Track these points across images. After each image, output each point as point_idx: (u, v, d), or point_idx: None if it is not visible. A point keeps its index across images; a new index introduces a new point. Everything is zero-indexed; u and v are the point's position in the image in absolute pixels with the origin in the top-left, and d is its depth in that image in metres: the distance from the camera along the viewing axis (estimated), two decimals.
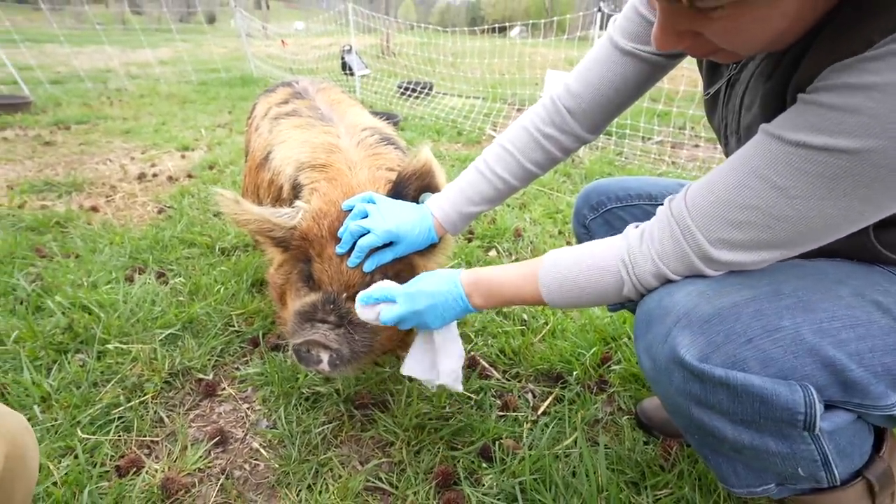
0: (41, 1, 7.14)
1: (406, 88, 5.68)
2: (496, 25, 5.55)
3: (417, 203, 1.07)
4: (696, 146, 4.25)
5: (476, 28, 5.38)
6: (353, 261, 0.99)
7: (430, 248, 1.09)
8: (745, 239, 0.63)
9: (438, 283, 0.88)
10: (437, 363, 0.97)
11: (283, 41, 8.63)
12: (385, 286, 0.93)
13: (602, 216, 1.10)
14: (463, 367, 1.00)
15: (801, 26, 0.57)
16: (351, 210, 1.02)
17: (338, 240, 1.01)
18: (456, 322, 0.96)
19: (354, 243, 0.99)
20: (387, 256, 1.01)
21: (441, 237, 1.08)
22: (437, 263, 1.14)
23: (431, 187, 1.07)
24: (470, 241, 2.27)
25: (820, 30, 0.58)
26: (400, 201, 1.05)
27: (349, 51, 6.30)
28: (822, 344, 0.61)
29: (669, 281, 0.71)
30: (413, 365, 1.00)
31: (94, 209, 2.56)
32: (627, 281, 0.72)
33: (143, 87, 6.42)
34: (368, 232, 0.97)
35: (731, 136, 0.82)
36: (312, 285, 1.04)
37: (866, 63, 0.51)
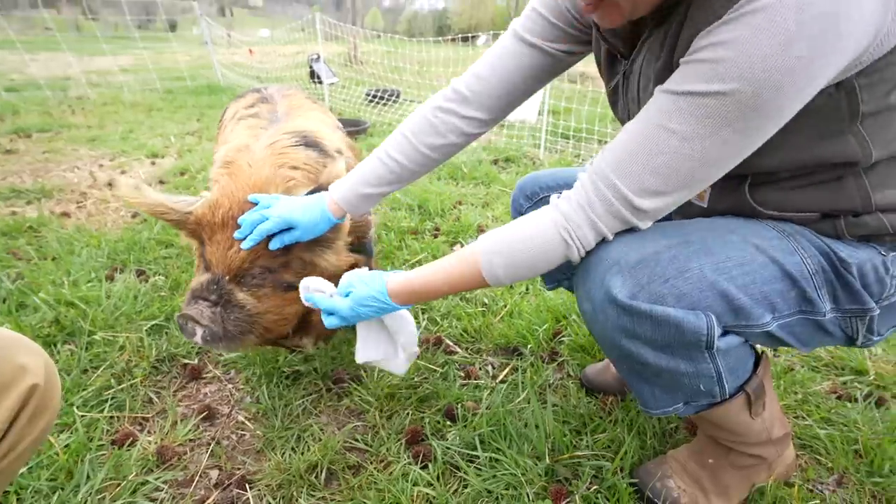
0: None
1: (374, 96, 5.82)
2: (463, 35, 5.76)
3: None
4: None
5: (442, 38, 5.59)
6: (247, 244, 1.07)
7: (324, 241, 1.15)
8: (661, 183, 0.73)
9: (365, 297, 0.93)
10: (396, 340, 1.03)
11: (250, 50, 8.63)
12: (318, 298, 0.99)
13: (536, 204, 1.22)
14: (420, 342, 1.11)
15: None
16: (257, 204, 1.11)
17: (228, 227, 1.10)
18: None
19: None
20: (284, 240, 1.09)
21: (340, 221, 1.14)
22: (328, 261, 1.18)
23: None
24: (436, 236, 2.44)
25: (687, 9, 0.72)
26: (301, 197, 1.13)
27: (317, 59, 6.40)
28: (719, 280, 0.77)
29: (605, 238, 0.81)
30: (367, 352, 1.04)
31: (66, 215, 2.59)
32: (572, 245, 0.80)
33: (106, 95, 6.33)
34: (266, 220, 1.07)
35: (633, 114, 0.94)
36: (207, 266, 1.13)
37: (723, 26, 0.64)
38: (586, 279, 0.84)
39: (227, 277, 1.08)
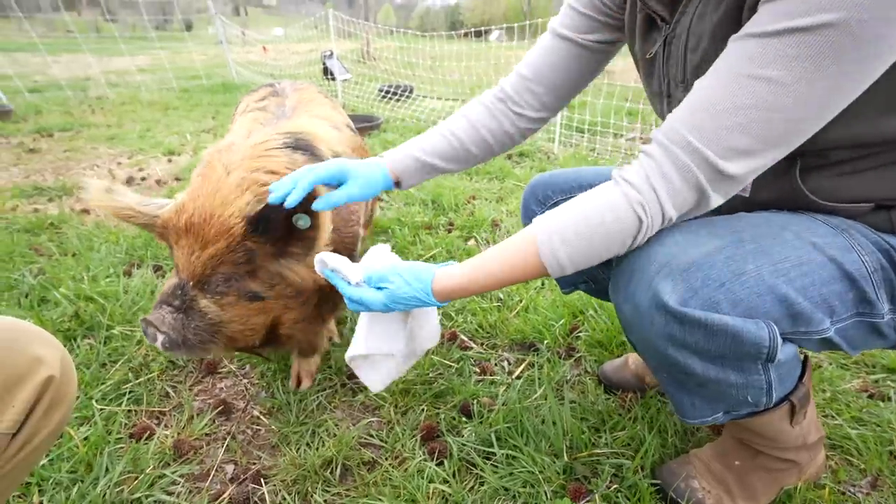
0: (14, 8, 7.09)
1: (387, 92, 5.81)
2: (475, 30, 5.71)
3: (293, 224, 1.00)
4: None
5: (455, 32, 5.54)
6: (291, 200, 0.89)
7: (295, 252, 1.05)
8: (751, 141, 0.64)
9: (406, 297, 0.83)
10: (416, 333, 0.97)
11: (264, 47, 8.69)
12: (341, 284, 0.89)
13: (549, 209, 1.19)
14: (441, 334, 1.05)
15: None
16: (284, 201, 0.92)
17: (191, 233, 1.00)
18: None
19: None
20: (334, 199, 0.94)
21: (392, 187, 1.06)
22: (298, 275, 1.08)
23: (309, 212, 0.98)
24: (450, 231, 2.42)
25: None
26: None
27: (330, 56, 6.41)
28: (777, 283, 0.70)
29: (671, 220, 0.72)
30: (372, 342, 0.95)
31: (86, 212, 2.64)
32: (644, 224, 0.71)
33: (124, 94, 6.43)
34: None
35: (675, 88, 0.86)
36: (176, 270, 1.07)
37: None
38: (629, 281, 0.77)
39: (191, 283, 1.03)
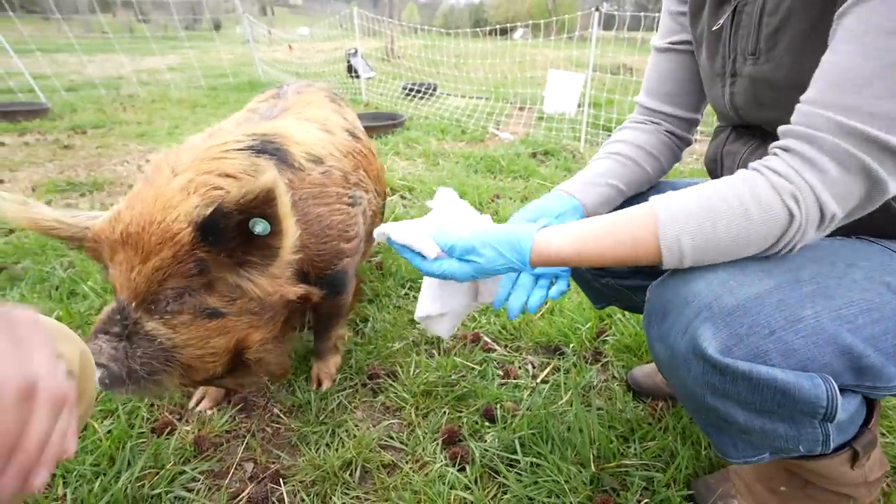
0: (53, 10, 7.34)
1: (411, 90, 5.80)
2: (499, 27, 5.65)
3: (250, 230, 0.87)
4: (695, 140, 4.33)
5: (479, 29, 5.50)
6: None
7: (254, 261, 0.92)
8: None
9: (498, 267, 0.73)
10: (483, 290, 0.89)
11: (289, 46, 8.79)
12: (416, 261, 0.78)
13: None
14: (457, 336, 0.97)
15: None
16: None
17: (129, 245, 0.87)
18: None
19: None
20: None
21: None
22: (258, 287, 0.95)
23: (268, 216, 0.86)
24: None
25: None
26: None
27: (354, 54, 6.44)
28: (840, 331, 0.61)
29: (834, 217, 0.60)
30: (440, 303, 0.87)
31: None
32: (797, 219, 0.59)
33: (154, 92, 6.59)
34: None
35: (742, 65, 0.78)
36: (114, 292, 0.92)
37: None
38: (663, 320, 0.69)
39: (133, 304, 0.88)
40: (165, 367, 0.89)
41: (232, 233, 0.88)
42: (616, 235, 0.67)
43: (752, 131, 0.86)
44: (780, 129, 0.62)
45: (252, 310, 0.97)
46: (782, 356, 0.61)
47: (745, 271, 0.64)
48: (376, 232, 0.83)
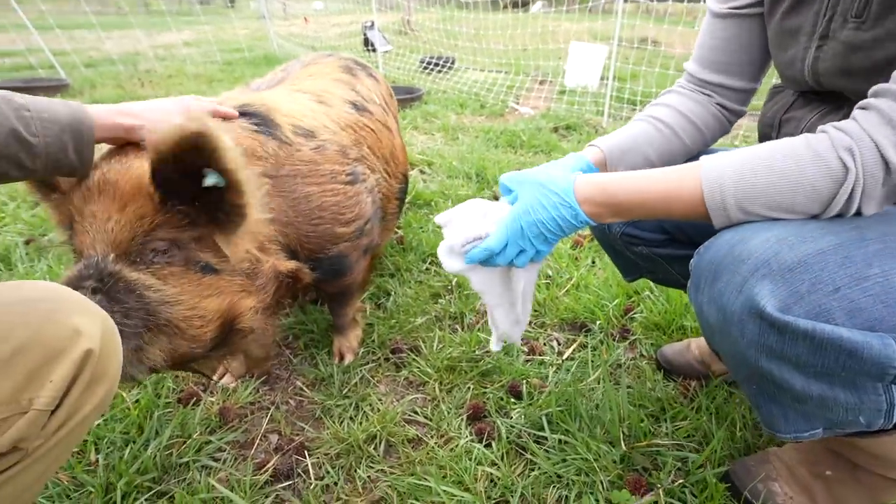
0: None
1: (428, 63, 5.67)
2: (519, 0, 5.45)
3: (203, 184, 0.77)
4: None
5: (499, 1, 5.31)
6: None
7: (225, 216, 0.83)
8: None
9: (544, 220, 0.73)
10: (518, 309, 0.87)
11: (305, 18, 8.65)
12: (472, 252, 0.77)
13: None
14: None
15: None
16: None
17: (106, 194, 0.80)
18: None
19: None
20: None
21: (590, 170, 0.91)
22: (239, 249, 0.89)
23: (214, 165, 0.76)
24: None
25: None
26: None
27: (371, 27, 6.29)
28: None
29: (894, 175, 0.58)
30: (507, 327, 0.89)
31: None
32: (853, 171, 0.58)
33: (171, 67, 6.57)
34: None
35: (839, 27, 0.72)
36: (77, 258, 0.82)
37: None
38: (715, 280, 0.66)
39: (111, 256, 0.78)
40: (150, 325, 0.77)
41: (182, 185, 0.78)
42: (671, 185, 0.68)
43: (823, 97, 0.79)
44: (873, 89, 0.58)
45: (245, 271, 0.91)
46: (847, 315, 0.58)
47: (805, 228, 0.62)
48: (438, 217, 0.83)
